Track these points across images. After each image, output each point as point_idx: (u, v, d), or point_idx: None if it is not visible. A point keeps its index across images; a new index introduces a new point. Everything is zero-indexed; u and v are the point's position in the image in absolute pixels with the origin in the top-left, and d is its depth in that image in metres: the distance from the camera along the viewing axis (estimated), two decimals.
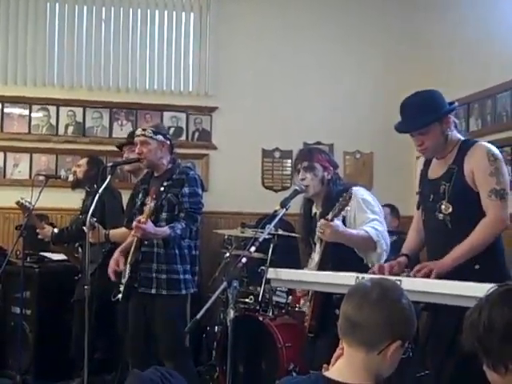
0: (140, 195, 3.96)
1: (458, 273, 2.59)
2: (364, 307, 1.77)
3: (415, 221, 3.14)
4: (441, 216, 2.79)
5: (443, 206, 2.78)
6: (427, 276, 2.63)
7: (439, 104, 2.85)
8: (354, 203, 3.15)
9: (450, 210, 2.76)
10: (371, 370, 1.79)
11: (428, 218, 2.92)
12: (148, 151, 3.84)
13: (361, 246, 3.09)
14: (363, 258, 3.18)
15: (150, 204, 3.61)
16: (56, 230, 4.62)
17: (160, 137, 3.84)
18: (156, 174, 3.94)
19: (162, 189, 3.79)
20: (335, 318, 2.99)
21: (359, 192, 3.22)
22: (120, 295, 3.76)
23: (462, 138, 2.89)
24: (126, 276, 3.76)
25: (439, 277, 2.61)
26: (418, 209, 3.05)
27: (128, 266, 3.76)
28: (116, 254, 3.90)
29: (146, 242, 3.75)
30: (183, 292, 3.78)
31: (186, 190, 3.77)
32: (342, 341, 1.86)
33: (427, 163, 3.02)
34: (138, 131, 3.93)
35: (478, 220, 2.71)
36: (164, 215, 3.78)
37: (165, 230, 3.67)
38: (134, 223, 3.60)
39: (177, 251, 3.76)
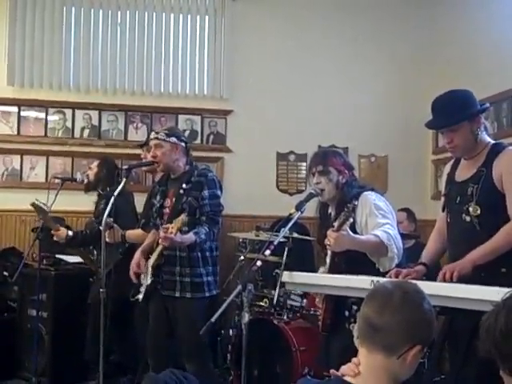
0: (158, 197, 3.96)
1: (484, 276, 2.58)
2: (385, 311, 1.75)
3: (437, 226, 3.12)
4: (468, 218, 2.79)
5: (471, 208, 2.77)
6: (451, 279, 2.61)
7: (471, 103, 2.86)
8: (366, 208, 3.13)
9: (479, 211, 2.75)
10: (390, 375, 1.77)
11: (454, 220, 2.91)
12: (162, 154, 3.85)
13: (372, 250, 3.06)
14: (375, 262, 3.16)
15: (182, 216, 3.58)
16: (71, 233, 4.63)
17: (173, 139, 3.85)
18: (173, 176, 3.94)
19: (182, 192, 3.80)
20: (347, 318, 3.02)
21: (371, 197, 3.19)
22: (140, 296, 3.78)
23: (492, 142, 2.89)
24: (149, 279, 3.77)
25: (463, 277, 2.59)
26: (442, 211, 3.03)
27: (150, 268, 3.78)
28: (137, 254, 3.91)
29: None
30: (207, 294, 3.80)
31: (205, 192, 3.78)
32: (359, 350, 1.84)
33: (454, 166, 3.01)
34: (152, 135, 3.96)
35: (505, 223, 2.70)
36: (185, 219, 3.78)
37: (190, 236, 3.66)
38: (162, 233, 3.60)
39: (199, 254, 3.78)
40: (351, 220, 2.92)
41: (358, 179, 3.46)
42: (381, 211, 3.13)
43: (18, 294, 5.07)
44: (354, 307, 2.97)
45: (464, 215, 2.80)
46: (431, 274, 2.86)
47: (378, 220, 3.09)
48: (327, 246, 3.04)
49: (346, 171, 3.30)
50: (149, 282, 3.76)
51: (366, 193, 3.20)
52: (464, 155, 2.91)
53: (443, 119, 2.85)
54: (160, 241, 3.67)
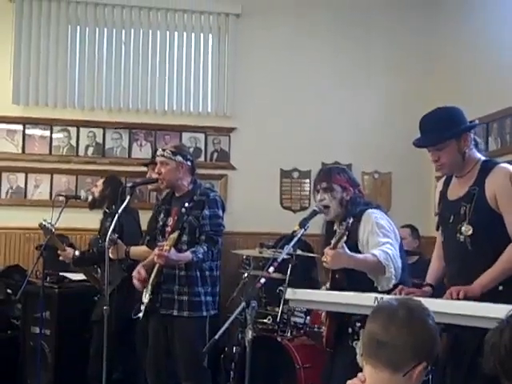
0: (162, 215, 3.97)
1: (482, 295, 2.56)
2: (390, 327, 1.75)
3: (437, 246, 3.11)
4: (462, 238, 2.77)
5: (464, 228, 2.75)
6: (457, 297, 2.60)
7: (457, 121, 2.84)
8: (368, 226, 3.12)
9: (471, 231, 2.73)
10: None
11: (448, 240, 2.90)
12: (166, 171, 3.86)
13: (369, 269, 3.05)
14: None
15: (174, 234, 3.60)
16: (77, 253, 4.62)
17: (179, 157, 3.86)
18: (177, 194, 3.94)
19: (184, 210, 3.80)
20: (350, 335, 3.01)
21: (374, 215, 3.18)
22: (141, 314, 3.77)
23: (483, 158, 2.87)
24: (147, 296, 3.77)
25: (466, 299, 2.58)
26: (437, 230, 3.02)
27: (149, 286, 3.78)
28: (138, 267, 3.91)
29: None
30: (204, 314, 3.78)
31: (206, 212, 3.78)
32: (364, 367, 1.83)
33: (446, 184, 3.00)
34: (158, 152, 3.97)
35: (499, 242, 2.68)
36: (185, 238, 3.79)
37: (187, 255, 3.67)
38: (156, 250, 3.61)
39: (198, 273, 3.77)
40: (345, 238, 2.91)
41: (363, 196, 3.45)
42: (382, 230, 3.12)
43: (22, 311, 5.05)
44: (358, 324, 2.96)
45: (458, 234, 2.79)
46: (437, 294, 2.85)
47: (378, 239, 3.07)
48: (324, 264, 3.03)
49: (351, 188, 3.30)
50: (147, 299, 3.76)
51: (369, 210, 3.19)
52: (452, 173, 2.90)
53: (429, 137, 2.84)
54: (155, 259, 3.67)
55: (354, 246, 3.11)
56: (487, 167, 2.79)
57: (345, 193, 3.27)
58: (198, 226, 3.77)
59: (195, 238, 3.77)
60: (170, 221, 3.89)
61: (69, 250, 4.63)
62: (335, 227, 3.34)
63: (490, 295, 2.51)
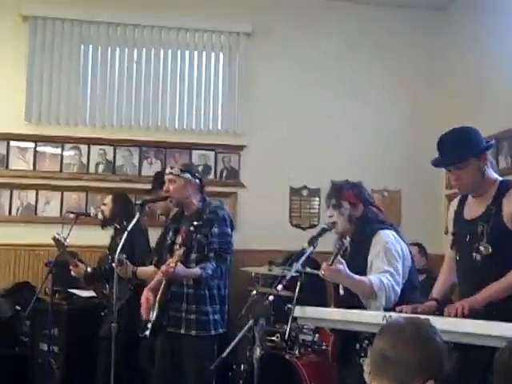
0: (170, 233, 3.97)
1: (496, 314, 2.55)
2: (397, 343, 1.75)
3: (446, 262, 3.11)
4: (478, 257, 2.77)
5: (482, 247, 2.76)
6: (462, 314, 2.59)
7: (477, 140, 2.87)
8: (376, 248, 3.10)
9: (490, 250, 2.74)
10: None
11: (463, 259, 2.90)
12: (174, 189, 3.86)
13: (360, 292, 3.04)
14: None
15: (180, 250, 3.60)
16: (89, 270, 4.62)
17: (187, 175, 3.86)
18: (186, 213, 3.94)
19: (192, 229, 3.78)
20: (357, 351, 2.99)
21: (385, 238, 3.14)
22: (147, 332, 3.76)
23: (500, 179, 2.89)
24: (155, 314, 3.76)
25: (475, 313, 2.58)
26: (451, 248, 3.02)
27: (157, 304, 3.77)
28: (145, 292, 3.90)
29: (175, 282, 3.75)
30: (212, 333, 3.74)
31: (215, 230, 3.76)
32: None
33: (461, 203, 3.01)
34: (167, 170, 3.97)
35: None
36: (193, 256, 3.77)
37: (195, 271, 3.65)
38: (163, 267, 3.60)
39: (206, 292, 3.74)
40: (339, 257, 2.91)
41: (381, 211, 3.41)
42: (389, 256, 3.09)
43: (30, 328, 5.06)
44: (366, 341, 2.95)
45: (474, 254, 2.78)
46: (443, 310, 2.84)
47: (381, 265, 3.06)
48: (321, 275, 3.02)
49: (361, 205, 3.28)
50: (154, 317, 3.75)
51: (381, 232, 3.17)
52: (472, 192, 2.91)
53: (450, 157, 2.85)
54: (162, 276, 3.67)
55: (363, 264, 3.10)
56: (505, 187, 2.82)
57: (354, 210, 3.25)
58: (206, 243, 3.76)
59: (204, 257, 3.76)
60: (179, 239, 3.88)
61: (81, 265, 4.64)
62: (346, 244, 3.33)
63: (502, 313, 2.50)
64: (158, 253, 4.17)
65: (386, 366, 1.75)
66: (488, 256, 2.74)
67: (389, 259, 3.08)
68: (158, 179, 4.55)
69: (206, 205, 3.89)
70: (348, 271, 2.94)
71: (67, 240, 4.44)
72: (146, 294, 3.85)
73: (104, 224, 4.88)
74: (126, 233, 3.84)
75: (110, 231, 4.93)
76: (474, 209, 2.90)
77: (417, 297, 3.16)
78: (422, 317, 2.57)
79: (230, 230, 3.85)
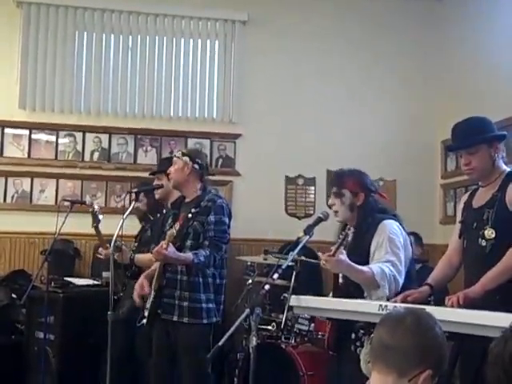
0: (170, 220, 3.99)
1: (499, 299, 2.59)
2: (397, 331, 1.76)
3: (448, 252, 3.14)
4: (484, 242, 2.82)
5: (486, 232, 2.81)
6: (458, 304, 2.61)
7: (489, 128, 2.97)
8: (380, 238, 3.10)
9: (493, 235, 2.79)
10: None
11: (470, 246, 2.95)
12: (174, 170, 3.92)
13: (363, 282, 3.05)
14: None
15: (172, 230, 3.62)
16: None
17: (186, 158, 3.90)
18: (186, 200, 3.96)
19: (190, 215, 3.80)
20: (353, 341, 3.01)
21: (389, 228, 3.13)
22: (145, 320, 3.78)
23: (508, 169, 2.95)
24: (150, 301, 3.77)
25: (475, 301, 2.61)
26: (459, 237, 3.05)
27: (152, 291, 3.78)
28: (140, 278, 3.93)
29: (169, 268, 3.76)
30: (204, 321, 3.75)
31: (211, 218, 3.77)
32: (371, 373, 1.83)
33: (472, 195, 3.06)
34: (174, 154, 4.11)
35: None
36: (189, 243, 3.79)
37: (187, 255, 3.67)
38: (156, 248, 3.62)
39: (200, 279, 3.75)
40: (342, 247, 2.91)
41: (385, 198, 3.41)
42: (392, 246, 3.08)
43: (26, 316, 5.05)
44: (361, 331, 2.95)
45: (480, 239, 2.84)
46: (438, 298, 2.85)
47: (384, 254, 3.06)
48: (322, 265, 3.02)
49: (363, 193, 3.26)
50: (149, 305, 3.77)
51: (385, 221, 3.16)
52: (480, 179, 2.96)
53: (461, 141, 2.94)
54: (153, 256, 3.67)
55: (365, 253, 3.10)
56: (511, 176, 2.88)
57: (356, 198, 3.24)
58: (202, 231, 3.77)
59: (199, 244, 3.77)
60: (177, 225, 3.89)
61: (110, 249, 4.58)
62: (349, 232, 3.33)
63: (507, 300, 2.52)
64: (157, 241, 4.18)
65: (386, 353, 1.76)
66: (493, 241, 2.78)
67: (392, 249, 3.08)
68: (162, 164, 4.55)
69: (205, 193, 3.90)
70: (349, 261, 2.95)
71: (98, 224, 4.33)
72: (141, 281, 3.87)
73: (143, 218, 4.82)
74: (121, 220, 3.87)
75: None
76: (481, 197, 2.96)
77: (414, 287, 3.17)
78: (417, 307, 2.60)
79: (227, 218, 3.86)
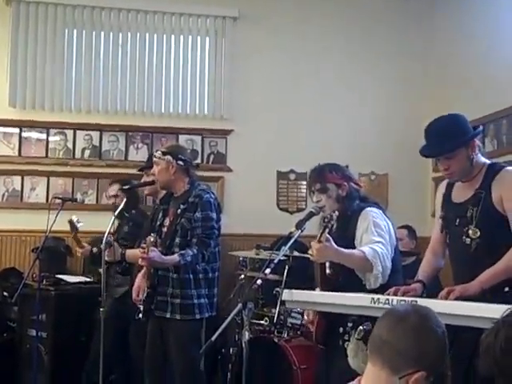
0: (160, 215, 3.98)
1: (489, 296, 2.59)
2: (398, 329, 1.74)
3: (432, 244, 3.15)
4: (468, 240, 2.80)
5: (471, 231, 2.79)
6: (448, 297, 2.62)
7: (464, 129, 2.87)
8: (365, 223, 3.14)
9: (478, 234, 2.77)
10: None
11: (454, 242, 2.93)
12: (158, 172, 3.90)
13: (355, 265, 3.06)
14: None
15: (150, 237, 3.60)
16: (95, 249, 4.56)
17: (168, 157, 3.86)
18: (175, 195, 3.95)
19: (179, 212, 3.80)
20: (341, 335, 3.02)
21: (372, 213, 3.19)
22: (140, 315, 3.80)
23: (488, 162, 2.90)
24: (143, 298, 3.79)
25: (461, 299, 2.60)
26: (441, 232, 3.04)
27: (145, 289, 3.79)
28: (136, 282, 3.96)
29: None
30: (197, 317, 3.77)
31: (198, 214, 3.77)
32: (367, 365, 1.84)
33: (449, 187, 3.02)
34: (154, 153, 4.02)
35: (505, 244, 2.70)
36: (177, 240, 3.80)
37: (173, 257, 3.68)
38: (140, 254, 3.62)
39: (191, 276, 3.76)
40: (327, 231, 2.91)
41: (361, 187, 3.44)
42: (378, 229, 3.13)
43: (18, 314, 5.05)
44: (349, 324, 2.96)
45: (464, 237, 2.82)
46: (430, 291, 2.86)
47: (371, 237, 3.09)
48: (310, 257, 3.03)
49: (345, 183, 3.29)
50: (142, 302, 3.79)
51: (367, 209, 3.21)
52: (461, 179, 2.93)
53: (438, 147, 2.85)
54: (139, 261, 3.68)
55: (350, 242, 3.12)
56: (493, 170, 2.83)
57: (340, 189, 3.27)
58: (190, 228, 3.77)
59: (187, 241, 3.77)
60: (167, 221, 3.90)
61: (87, 246, 4.60)
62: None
63: (496, 296, 2.52)
64: (146, 235, 4.18)
65: (382, 348, 1.75)
66: (477, 239, 2.77)
67: (378, 232, 3.12)
68: (150, 160, 4.55)
69: (193, 188, 3.88)
70: (336, 246, 2.96)
71: (80, 224, 4.40)
72: (137, 286, 3.89)
73: (119, 215, 4.82)
74: (113, 217, 3.87)
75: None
76: (462, 192, 2.91)
77: (399, 278, 3.18)
78: (409, 299, 2.61)
79: (214, 213, 3.84)
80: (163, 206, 4.01)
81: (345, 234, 3.19)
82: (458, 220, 2.86)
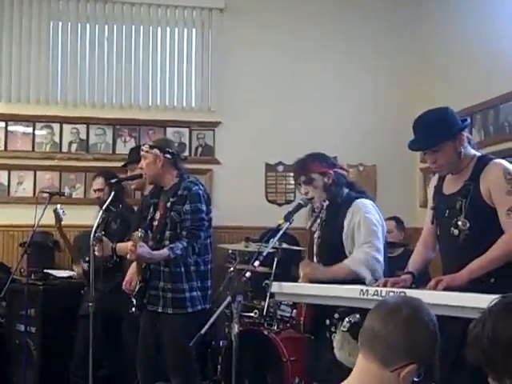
0: (151, 209, 3.96)
1: (475, 287, 2.59)
2: (390, 322, 1.74)
3: (423, 235, 3.15)
4: (456, 232, 2.81)
5: (460, 222, 2.80)
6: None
7: (452, 122, 2.88)
8: (356, 218, 3.14)
9: (467, 225, 2.78)
10: None
11: (443, 233, 2.94)
12: (145, 165, 3.88)
13: (345, 277, 3.09)
14: None
15: (137, 232, 3.59)
16: (85, 267, 4.52)
17: (155, 151, 3.85)
18: (165, 188, 3.93)
19: (169, 205, 3.79)
20: (327, 327, 3.03)
21: (364, 207, 3.19)
22: (134, 309, 3.80)
23: (478, 154, 2.92)
24: (135, 292, 3.79)
25: (450, 289, 2.61)
26: (432, 223, 3.05)
27: (138, 283, 3.78)
28: (128, 274, 3.96)
29: None
30: (189, 310, 3.77)
31: (187, 207, 3.76)
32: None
33: (441, 179, 3.04)
34: (142, 147, 3.99)
35: (493, 236, 2.71)
36: (167, 234, 3.79)
37: (163, 252, 3.68)
38: (129, 247, 3.61)
39: (182, 269, 3.76)
40: (319, 221, 2.95)
41: (347, 171, 3.46)
42: (370, 224, 3.14)
43: (6, 309, 5.03)
44: (336, 316, 2.97)
45: (453, 228, 2.83)
46: (419, 282, 2.88)
47: (362, 237, 3.11)
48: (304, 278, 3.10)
49: (330, 171, 3.29)
50: (134, 295, 3.78)
51: (358, 201, 3.20)
52: (449, 172, 2.94)
53: (426, 141, 2.87)
54: (128, 256, 3.67)
55: (337, 233, 3.12)
56: (482, 162, 2.84)
57: (325, 178, 3.27)
58: (179, 221, 3.76)
59: (177, 234, 3.76)
60: (157, 215, 3.89)
61: (82, 265, 4.59)
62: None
63: (482, 287, 2.53)
64: (135, 229, 4.17)
65: (374, 342, 1.75)
66: (466, 231, 2.78)
67: (370, 228, 3.14)
68: (132, 155, 4.53)
69: (182, 180, 3.87)
70: (322, 267, 3.09)
71: (64, 214, 4.37)
72: (129, 278, 3.89)
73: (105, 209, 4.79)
74: (101, 211, 3.86)
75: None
76: (452, 184, 2.93)
77: (386, 270, 3.19)
78: (398, 290, 2.62)
79: (204, 205, 3.84)
80: (153, 199, 3.99)
81: (334, 223, 3.19)
82: (447, 211, 2.88)
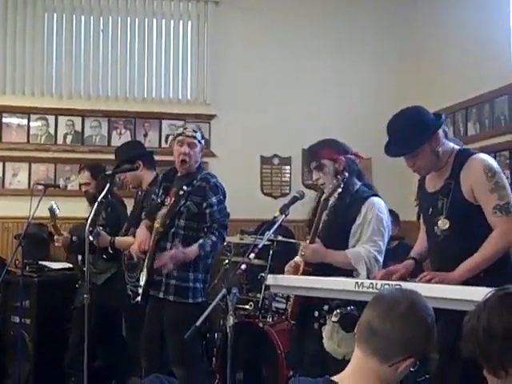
0: (161, 191, 3.91)
1: (464, 282, 2.60)
2: (388, 318, 1.75)
3: (421, 230, 3.15)
4: (438, 231, 2.80)
5: (440, 222, 2.78)
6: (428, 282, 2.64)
7: (426, 123, 2.82)
8: (369, 215, 3.12)
9: (447, 225, 2.76)
10: (381, 379, 1.77)
11: (428, 232, 2.94)
12: (194, 154, 3.81)
13: (340, 265, 3.10)
14: None
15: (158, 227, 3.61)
16: (74, 238, 4.48)
17: (203, 142, 3.89)
18: (179, 174, 3.88)
19: (182, 193, 3.73)
20: (316, 318, 3.03)
21: (378, 206, 3.18)
22: (139, 298, 3.76)
23: (457, 148, 2.87)
24: (144, 279, 3.75)
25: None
26: (418, 219, 3.05)
27: (145, 269, 3.74)
28: (143, 231, 3.85)
29: (161, 243, 3.73)
30: (190, 301, 3.74)
31: (213, 199, 3.75)
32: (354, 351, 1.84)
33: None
34: (189, 131, 3.85)
35: (474, 234, 2.70)
36: (182, 223, 3.75)
37: (194, 250, 3.66)
38: (167, 257, 3.61)
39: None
40: (339, 190, 2.98)
41: (361, 158, 3.46)
42: (380, 225, 3.14)
43: (1, 301, 5.01)
44: (325, 307, 2.97)
45: (435, 227, 2.82)
46: (416, 273, 2.88)
47: (369, 235, 3.11)
48: (302, 257, 3.09)
49: (341, 157, 3.27)
50: (142, 283, 3.75)
51: (374, 199, 3.19)
52: (429, 173, 2.91)
53: (402, 146, 2.83)
54: (163, 267, 3.65)
55: (347, 224, 3.12)
56: (462, 158, 2.79)
57: (336, 164, 3.25)
58: (197, 212, 3.73)
59: (194, 224, 3.74)
60: (168, 201, 3.82)
61: (66, 235, 4.55)
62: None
63: (470, 281, 2.54)
64: (133, 223, 4.15)
65: (372, 337, 1.76)
66: (447, 230, 2.76)
67: (379, 228, 3.13)
68: (121, 154, 4.44)
69: (199, 170, 3.86)
70: (324, 249, 3.05)
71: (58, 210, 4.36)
72: (144, 235, 3.81)
73: (93, 201, 4.76)
74: (96, 203, 3.83)
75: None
76: (434, 181, 2.90)
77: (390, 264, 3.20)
78: (393, 283, 2.62)
79: (223, 197, 3.85)
80: (165, 182, 3.94)
81: (345, 213, 3.18)
82: (430, 209, 2.86)
